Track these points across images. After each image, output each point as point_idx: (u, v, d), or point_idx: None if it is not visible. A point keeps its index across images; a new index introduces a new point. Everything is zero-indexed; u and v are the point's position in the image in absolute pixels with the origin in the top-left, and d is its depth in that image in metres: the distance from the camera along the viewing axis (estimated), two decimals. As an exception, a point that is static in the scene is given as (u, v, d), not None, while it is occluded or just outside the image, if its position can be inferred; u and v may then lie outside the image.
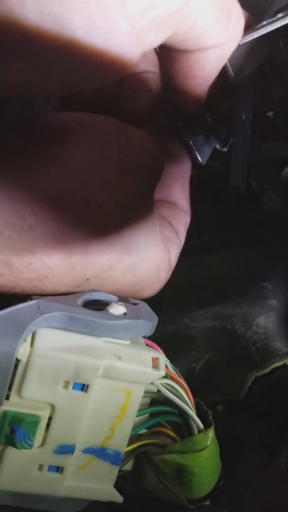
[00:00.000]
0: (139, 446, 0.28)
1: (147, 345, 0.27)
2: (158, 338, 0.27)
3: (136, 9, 0.18)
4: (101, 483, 0.26)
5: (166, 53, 0.24)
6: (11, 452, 0.24)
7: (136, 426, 0.27)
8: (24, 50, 0.18)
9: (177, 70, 0.24)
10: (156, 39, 0.20)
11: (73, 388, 0.24)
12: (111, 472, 0.26)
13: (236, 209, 0.39)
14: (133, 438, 0.27)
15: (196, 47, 0.22)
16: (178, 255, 0.32)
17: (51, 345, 0.23)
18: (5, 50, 0.18)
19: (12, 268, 0.23)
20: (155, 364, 0.25)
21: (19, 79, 0.19)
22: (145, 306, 0.27)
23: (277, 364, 0.35)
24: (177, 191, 0.35)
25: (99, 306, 0.26)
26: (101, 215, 0.25)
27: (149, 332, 0.26)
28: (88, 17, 0.17)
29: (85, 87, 0.21)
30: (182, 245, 0.33)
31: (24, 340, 0.22)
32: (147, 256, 0.28)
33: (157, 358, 0.26)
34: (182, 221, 0.34)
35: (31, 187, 0.23)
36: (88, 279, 0.25)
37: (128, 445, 0.26)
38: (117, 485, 0.27)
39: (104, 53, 0.19)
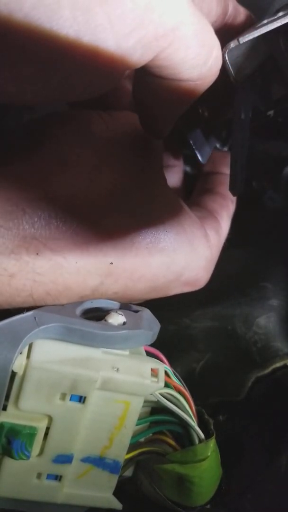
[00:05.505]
0: (139, 454, 0.27)
1: (148, 352, 0.27)
2: (158, 339, 0.27)
3: (125, 29, 0.18)
4: (100, 491, 0.26)
5: (140, 75, 0.23)
6: (10, 461, 0.24)
7: (136, 435, 0.27)
8: (10, 60, 0.18)
9: (147, 94, 0.24)
10: (140, 60, 0.20)
11: (70, 400, 0.23)
12: (110, 480, 0.26)
13: (236, 208, 0.39)
14: (133, 446, 0.27)
15: (170, 76, 0.22)
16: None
17: (47, 357, 0.23)
18: None
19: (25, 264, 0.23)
20: (155, 374, 0.25)
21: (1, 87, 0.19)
22: (147, 314, 0.27)
23: (278, 365, 0.35)
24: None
25: (100, 313, 0.25)
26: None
27: (149, 341, 0.26)
28: (75, 34, 0.17)
29: (68, 98, 0.21)
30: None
31: (20, 353, 0.22)
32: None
33: (157, 369, 0.25)
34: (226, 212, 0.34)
35: (31, 188, 0.23)
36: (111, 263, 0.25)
37: (128, 452, 0.26)
38: (118, 486, 0.27)
39: (89, 70, 0.19)
